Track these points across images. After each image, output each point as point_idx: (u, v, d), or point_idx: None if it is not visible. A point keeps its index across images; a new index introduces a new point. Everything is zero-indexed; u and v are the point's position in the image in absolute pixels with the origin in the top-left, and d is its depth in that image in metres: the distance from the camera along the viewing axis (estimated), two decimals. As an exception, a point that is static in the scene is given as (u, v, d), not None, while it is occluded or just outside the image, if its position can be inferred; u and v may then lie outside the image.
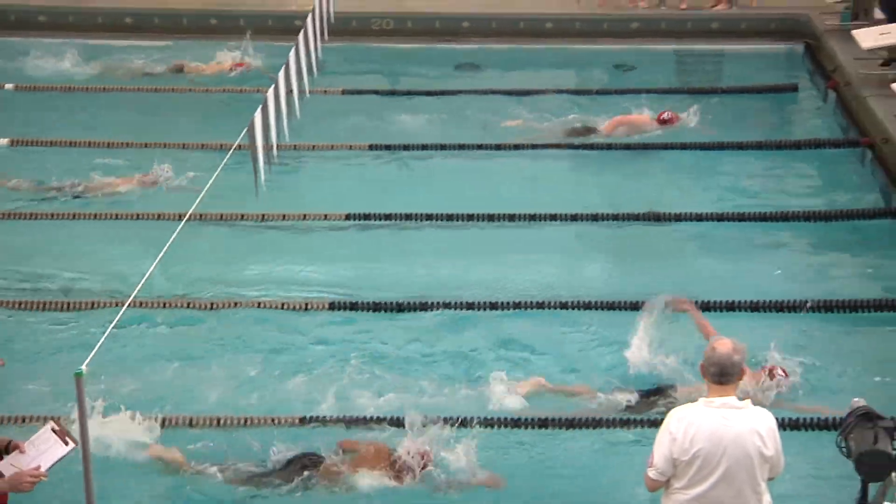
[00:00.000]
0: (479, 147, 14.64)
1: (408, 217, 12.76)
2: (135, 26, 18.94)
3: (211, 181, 8.62)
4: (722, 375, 6.32)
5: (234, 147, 9.60)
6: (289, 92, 11.41)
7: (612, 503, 8.34)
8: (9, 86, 16.79)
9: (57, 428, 6.18)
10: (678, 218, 12.73)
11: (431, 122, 15.54)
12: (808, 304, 10.77)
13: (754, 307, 10.83)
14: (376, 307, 10.97)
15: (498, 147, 14.66)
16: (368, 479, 8.46)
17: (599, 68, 17.84)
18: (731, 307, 10.78)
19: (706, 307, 10.72)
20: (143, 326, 10.60)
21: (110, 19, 19.01)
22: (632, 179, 13.92)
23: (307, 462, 8.61)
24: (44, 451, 6.12)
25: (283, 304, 11.01)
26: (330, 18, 15.70)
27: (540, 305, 10.93)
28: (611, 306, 10.84)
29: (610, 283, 11.44)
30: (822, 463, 8.35)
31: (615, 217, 12.74)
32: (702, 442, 6.26)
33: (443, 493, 8.39)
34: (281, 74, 11.11)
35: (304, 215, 12.83)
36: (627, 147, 14.66)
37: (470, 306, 10.93)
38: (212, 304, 11.00)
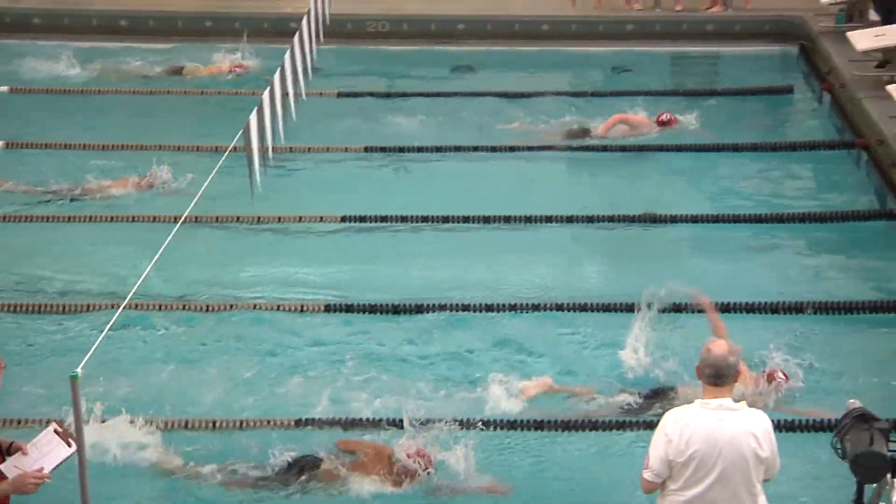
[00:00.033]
0: (475, 149, 14.64)
1: (403, 219, 12.76)
2: (130, 29, 18.94)
3: (206, 183, 8.62)
4: (717, 377, 6.33)
5: (229, 149, 9.60)
6: (284, 94, 11.41)
7: (610, 505, 8.36)
8: (3, 88, 16.78)
9: (59, 429, 6.18)
10: (674, 219, 12.74)
11: (427, 124, 15.54)
12: (809, 309, 10.79)
13: (750, 308, 10.83)
14: (372, 309, 10.96)
15: (493, 149, 14.66)
16: (368, 483, 8.45)
17: (595, 70, 17.85)
18: (726, 309, 10.77)
19: (701, 308, 10.72)
20: (139, 329, 10.59)
21: (105, 22, 19.00)
22: (628, 181, 13.93)
23: (305, 465, 8.59)
24: (46, 452, 6.12)
25: (278, 306, 11.00)
26: (325, 21, 15.70)
27: (536, 307, 10.93)
28: (607, 308, 10.84)
29: (606, 284, 11.44)
30: (817, 464, 8.36)
31: (611, 219, 12.75)
32: (697, 444, 6.26)
33: (444, 499, 8.37)
34: (276, 76, 11.11)
35: (300, 217, 12.83)
36: (623, 149, 14.67)
37: (466, 308, 10.92)
38: (207, 306, 11.00)
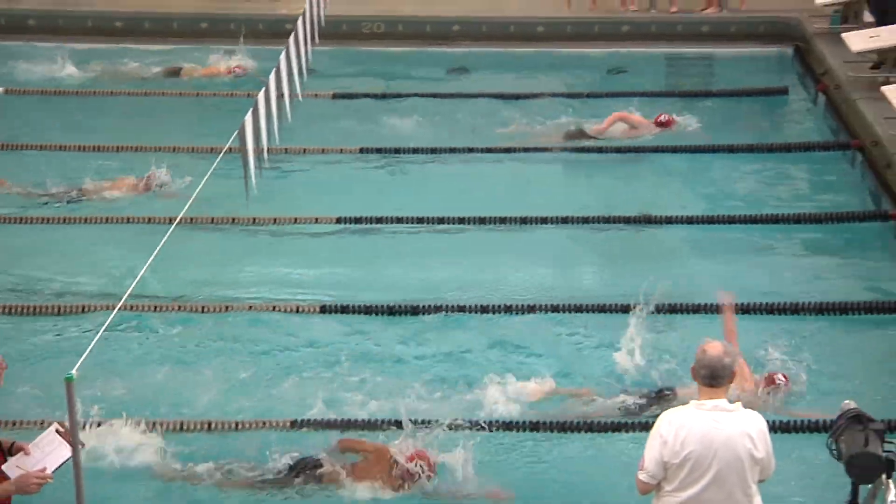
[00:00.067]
0: (470, 150, 14.64)
1: (399, 220, 12.76)
2: (125, 30, 18.92)
3: (201, 185, 8.61)
4: (713, 378, 6.33)
5: (224, 150, 9.59)
6: (280, 96, 11.40)
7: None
8: (-1, 89, 16.80)
9: (61, 430, 6.18)
10: (669, 220, 12.75)
11: (422, 125, 15.54)
12: (804, 309, 10.81)
13: (744, 309, 10.82)
14: (368, 310, 10.97)
15: (489, 150, 14.66)
16: (368, 486, 8.43)
17: (590, 71, 17.85)
18: (720, 310, 10.76)
19: (697, 309, 10.75)
20: (134, 330, 10.59)
21: (100, 23, 18.98)
22: (623, 182, 13.94)
23: (304, 466, 8.56)
24: (48, 452, 6.13)
25: (274, 307, 11.01)
26: (321, 22, 15.69)
27: (532, 308, 10.93)
28: (604, 309, 10.84)
29: (603, 285, 11.44)
30: (812, 465, 8.37)
31: (606, 220, 12.76)
32: (693, 445, 6.27)
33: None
34: (272, 77, 11.11)
35: (296, 219, 12.84)
36: (619, 150, 14.68)
37: (462, 309, 10.93)
38: (203, 307, 11.00)
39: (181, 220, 8.33)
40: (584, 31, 18.72)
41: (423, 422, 8.91)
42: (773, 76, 17.33)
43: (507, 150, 14.66)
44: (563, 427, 9.19)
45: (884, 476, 6.55)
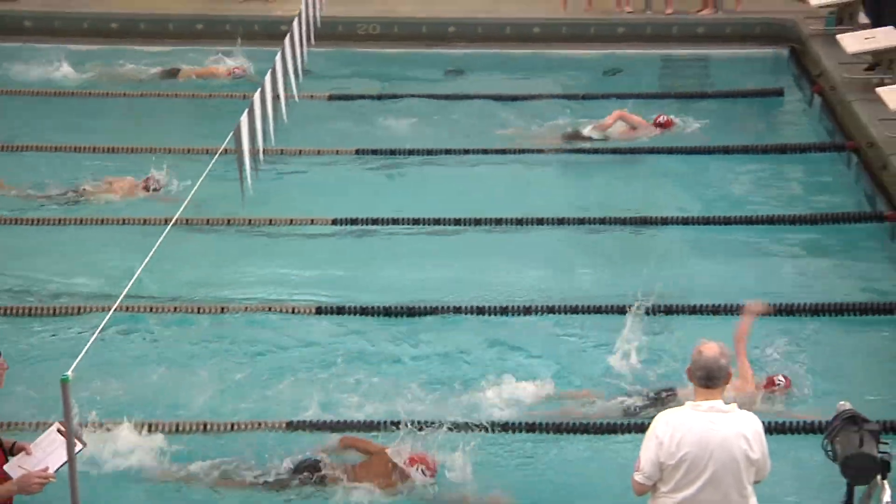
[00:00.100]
0: (466, 151, 14.64)
1: (395, 221, 12.77)
2: (122, 31, 18.90)
3: (196, 186, 8.61)
4: (709, 379, 6.34)
5: (219, 151, 9.59)
6: (275, 97, 11.41)
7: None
8: (-5, 91, 16.77)
9: (63, 429, 6.18)
10: (665, 222, 12.76)
11: (418, 126, 15.54)
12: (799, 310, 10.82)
13: (740, 311, 10.82)
14: (363, 311, 10.97)
15: (485, 151, 14.67)
16: (367, 489, 8.42)
17: (586, 73, 17.86)
18: (716, 311, 10.80)
19: (693, 310, 10.76)
20: (131, 331, 10.59)
21: (97, 24, 18.97)
22: (619, 183, 13.94)
23: (302, 468, 8.55)
24: (50, 452, 6.13)
25: (270, 308, 11.01)
26: (317, 23, 15.69)
27: (528, 310, 10.94)
28: (600, 310, 10.84)
29: (599, 286, 11.44)
30: (808, 466, 8.38)
31: (602, 221, 12.76)
32: (688, 446, 6.27)
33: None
34: (267, 78, 11.11)
35: (291, 220, 12.84)
36: (615, 151, 14.68)
37: (458, 310, 10.93)
38: (199, 308, 11.00)
39: (177, 221, 8.34)
40: (580, 33, 18.73)
41: (419, 423, 8.90)
42: (769, 78, 17.35)
43: (503, 152, 14.67)
44: (561, 428, 9.19)
45: (879, 477, 6.56)
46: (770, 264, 12.03)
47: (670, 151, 14.58)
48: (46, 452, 6.14)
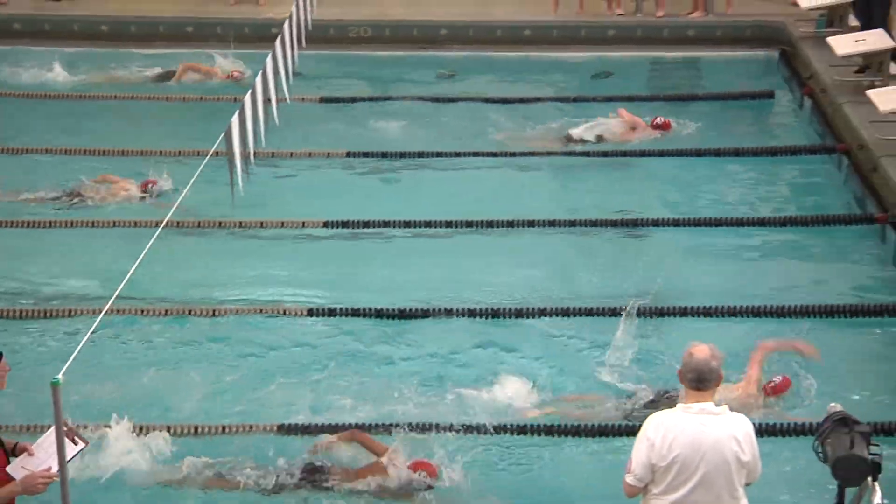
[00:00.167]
0: (458, 154, 14.65)
1: (386, 224, 12.77)
2: (112, 34, 18.87)
3: (187, 188, 8.61)
4: (699, 381, 6.35)
5: (209, 154, 9.58)
6: (266, 100, 11.41)
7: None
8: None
9: (65, 428, 6.18)
10: (657, 224, 12.78)
11: (409, 129, 15.54)
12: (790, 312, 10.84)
13: (731, 312, 10.87)
14: (355, 313, 10.97)
15: (476, 154, 14.68)
16: (367, 492, 8.41)
17: (577, 75, 17.86)
18: (708, 312, 10.82)
19: (683, 312, 10.78)
20: (122, 334, 10.58)
21: (86, 27, 18.94)
22: (610, 186, 13.95)
23: (300, 470, 8.54)
24: (52, 452, 6.12)
25: (261, 310, 11.01)
26: (308, 26, 15.69)
27: (521, 312, 10.94)
28: (593, 312, 10.85)
29: (593, 289, 11.44)
30: (798, 468, 8.39)
31: (594, 223, 12.77)
32: (680, 448, 6.29)
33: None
34: (258, 81, 11.11)
35: (283, 222, 12.83)
36: (605, 154, 14.69)
37: (450, 313, 10.94)
38: (191, 310, 10.99)
39: (168, 223, 8.34)
40: (571, 35, 18.73)
41: (413, 425, 8.90)
42: (759, 80, 17.37)
43: (495, 154, 14.68)
44: (555, 430, 9.20)
45: (869, 479, 6.58)
46: (759, 266, 12.05)
47: (661, 154, 14.60)
48: (49, 453, 6.14)
